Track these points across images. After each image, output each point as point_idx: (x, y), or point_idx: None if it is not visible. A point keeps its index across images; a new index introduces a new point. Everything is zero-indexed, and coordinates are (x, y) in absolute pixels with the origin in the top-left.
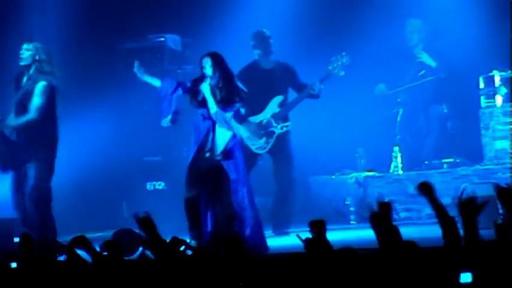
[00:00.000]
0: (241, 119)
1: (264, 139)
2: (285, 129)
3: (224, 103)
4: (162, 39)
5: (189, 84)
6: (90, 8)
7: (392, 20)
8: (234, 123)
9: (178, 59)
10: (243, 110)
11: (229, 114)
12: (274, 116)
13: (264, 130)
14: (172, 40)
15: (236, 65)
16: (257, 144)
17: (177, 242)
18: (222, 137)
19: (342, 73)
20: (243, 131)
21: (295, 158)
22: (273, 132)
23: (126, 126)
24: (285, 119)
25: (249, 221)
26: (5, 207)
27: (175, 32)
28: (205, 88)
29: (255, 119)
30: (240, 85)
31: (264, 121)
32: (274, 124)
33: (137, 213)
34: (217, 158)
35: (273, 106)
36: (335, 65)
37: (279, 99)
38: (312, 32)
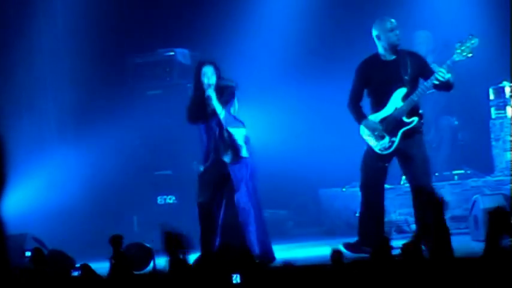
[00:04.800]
0: (361, 118)
1: (387, 138)
2: (411, 125)
3: (224, 105)
4: (172, 53)
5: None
6: (99, 22)
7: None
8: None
9: (188, 72)
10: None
11: (232, 110)
12: (397, 111)
13: (386, 128)
14: (181, 54)
15: (244, 78)
16: (379, 145)
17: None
18: (239, 135)
19: (470, 55)
20: (362, 131)
21: (430, 160)
22: (397, 130)
23: (137, 141)
24: (412, 113)
25: (254, 230)
26: (15, 224)
27: (184, 46)
28: (213, 95)
29: (376, 116)
30: (225, 82)
31: (387, 118)
32: (398, 120)
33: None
34: (242, 155)
35: (396, 100)
36: (463, 47)
37: (402, 91)
38: (317, 43)
